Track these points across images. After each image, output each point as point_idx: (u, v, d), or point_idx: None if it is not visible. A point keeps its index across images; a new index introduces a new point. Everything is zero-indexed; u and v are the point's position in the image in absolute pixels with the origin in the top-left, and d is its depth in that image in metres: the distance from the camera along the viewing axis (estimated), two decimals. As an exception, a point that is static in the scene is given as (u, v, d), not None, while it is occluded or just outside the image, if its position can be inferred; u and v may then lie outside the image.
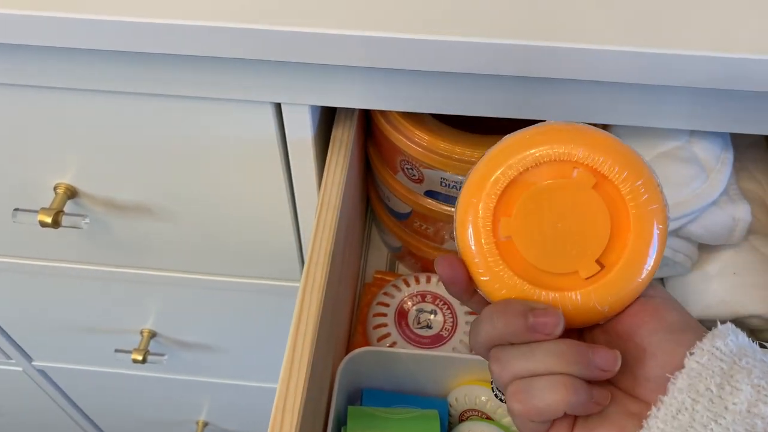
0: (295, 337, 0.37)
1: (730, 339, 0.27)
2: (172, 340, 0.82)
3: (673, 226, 0.44)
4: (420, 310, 0.55)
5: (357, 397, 0.50)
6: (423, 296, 0.55)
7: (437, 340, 0.53)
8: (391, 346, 0.52)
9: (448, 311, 0.54)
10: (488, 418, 0.48)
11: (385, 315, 0.55)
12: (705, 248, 0.48)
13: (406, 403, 0.48)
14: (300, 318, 0.38)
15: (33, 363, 0.91)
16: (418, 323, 0.54)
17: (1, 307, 0.79)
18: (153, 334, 0.80)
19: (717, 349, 0.27)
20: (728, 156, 0.45)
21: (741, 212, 0.44)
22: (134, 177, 0.53)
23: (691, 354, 0.27)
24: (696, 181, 0.44)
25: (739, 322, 0.47)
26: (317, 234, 0.42)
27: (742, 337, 0.28)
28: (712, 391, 0.26)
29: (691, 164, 0.44)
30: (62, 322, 0.79)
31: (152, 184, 0.54)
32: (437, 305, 0.55)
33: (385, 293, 0.56)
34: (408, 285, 0.56)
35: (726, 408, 0.26)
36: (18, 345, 0.87)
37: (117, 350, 0.80)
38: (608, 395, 0.28)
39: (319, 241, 0.41)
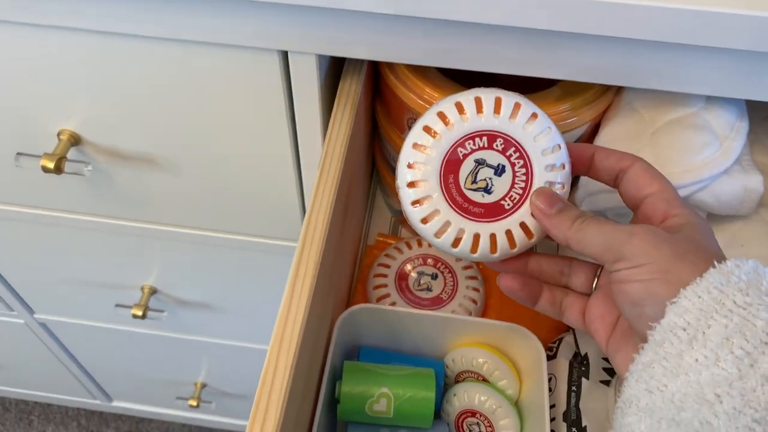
0: (293, 284, 0.37)
1: (713, 286, 0.27)
2: (173, 297, 0.82)
3: (682, 193, 0.43)
4: (421, 273, 0.54)
5: (354, 354, 0.50)
6: (424, 259, 0.55)
7: (436, 303, 0.52)
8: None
9: (449, 275, 0.54)
10: (484, 380, 0.47)
11: (385, 276, 0.54)
12: (714, 220, 0.47)
13: (403, 362, 0.47)
14: (299, 265, 0.37)
15: (35, 315, 0.91)
16: (419, 286, 0.54)
17: (5, 257, 0.79)
18: (153, 291, 0.80)
19: (686, 310, 0.27)
20: (743, 125, 0.44)
21: (753, 182, 0.43)
22: (138, 125, 0.52)
23: (651, 328, 0.29)
24: (708, 149, 0.43)
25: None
26: (320, 185, 0.41)
27: (741, 273, 0.27)
28: (667, 361, 0.27)
29: (704, 132, 0.43)
30: (64, 274, 0.79)
31: (156, 133, 0.53)
32: (438, 269, 0.54)
33: (387, 255, 0.56)
34: (410, 248, 0.56)
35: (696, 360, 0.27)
36: (20, 297, 0.87)
37: (117, 305, 0.80)
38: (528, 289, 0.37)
39: (322, 191, 0.41)
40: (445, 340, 0.48)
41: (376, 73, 0.53)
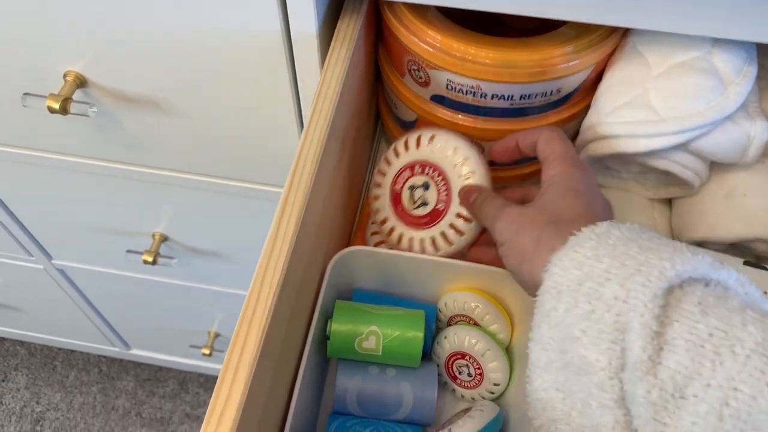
0: (279, 220, 0.37)
1: (572, 250, 0.32)
2: (183, 245, 0.83)
3: (682, 138, 0.42)
4: (412, 187, 0.51)
5: (349, 297, 0.50)
6: (411, 168, 0.50)
7: (435, 217, 0.48)
8: (390, 232, 0.50)
9: (440, 178, 0.49)
10: (476, 324, 0.47)
11: (378, 198, 0.51)
12: (717, 169, 0.46)
13: (396, 305, 0.48)
14: (286, 201, 0.38)
15: (53, 261, 0.94)
16: (414, 203, 0.51)
17: (22, 204, 0.81)
18: (164, 238, 0.81)
19: (562, 277, 0.32)
20: (751, 70, 0.43)
21: (758, 129, 0.42)
22: (142, 68, 0.53)
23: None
24: (712, 93, 0.41)
25: (744, 246, 0.45)
26: (311, 123, 0.41)
27: (592, 235, 0.33)
28: (549, 317, 0.33)
29: (708, 75, 0.42)
30: (78, 220, 0.81)
31: (160, 76, 0.53)
32: (428, 175, 0.50)
33: (378, 171, 0.52)
34: (397, 155, 0.51)
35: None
36: (38, 242, 0.90)
37: (129, 251, 0.82)
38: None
39: (313, 130, 0.40)
40: (439, 285, 0.49)
41: (379, 19, 0.52)
